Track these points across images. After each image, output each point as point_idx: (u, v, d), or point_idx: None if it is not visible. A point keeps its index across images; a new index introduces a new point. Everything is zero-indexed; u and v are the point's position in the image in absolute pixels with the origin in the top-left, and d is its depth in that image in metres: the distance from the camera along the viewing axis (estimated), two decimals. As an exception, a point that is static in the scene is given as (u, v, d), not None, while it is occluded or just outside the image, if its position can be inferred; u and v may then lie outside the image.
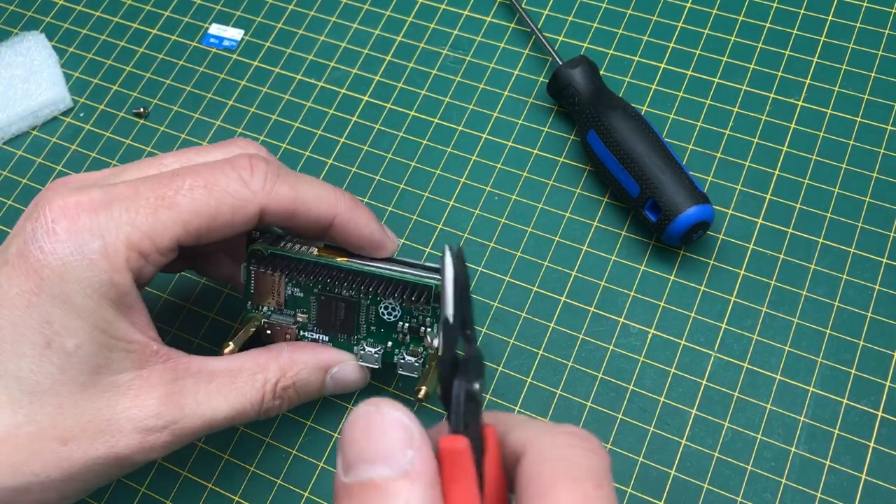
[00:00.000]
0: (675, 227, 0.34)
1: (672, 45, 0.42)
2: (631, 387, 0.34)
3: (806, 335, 0.35)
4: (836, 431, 0.33)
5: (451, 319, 0.22)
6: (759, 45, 0.41)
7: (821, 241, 0.36)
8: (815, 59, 0.41)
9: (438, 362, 0.22)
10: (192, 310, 0.38)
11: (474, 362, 0.22)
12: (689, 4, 0.43)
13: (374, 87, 0.43)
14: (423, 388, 0.30)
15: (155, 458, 0.28)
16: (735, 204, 0.38)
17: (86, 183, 0.29)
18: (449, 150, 0.40)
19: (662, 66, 0.41)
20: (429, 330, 0.31)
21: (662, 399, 0.34)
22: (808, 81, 0.40)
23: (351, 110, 0.42)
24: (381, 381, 0.35)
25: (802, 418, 0.33)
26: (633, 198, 0.36)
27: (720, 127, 0.39)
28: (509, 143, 0.40)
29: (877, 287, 0.35)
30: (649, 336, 0.35)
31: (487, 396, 0.35)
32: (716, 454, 0.33)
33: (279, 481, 0.34)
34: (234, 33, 0.45)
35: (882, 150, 0.38)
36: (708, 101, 0.40)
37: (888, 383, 0.33)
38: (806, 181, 0.38)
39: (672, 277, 0.36)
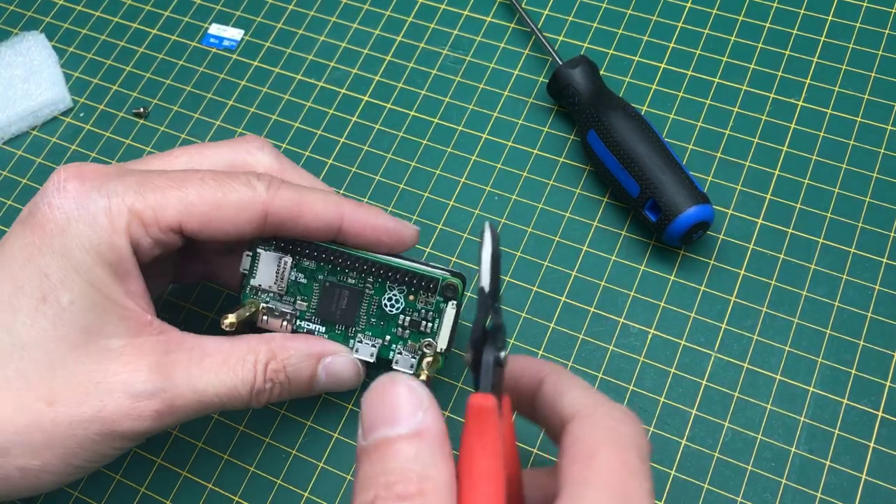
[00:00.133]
0: (675, 227, 0.34)
1: (672, 45, 0.42)
2: (631, 387, 0.34)
3: (806, 335, 0.35)
4: (837, 431, 0.33)
5: (486, 289, 0.24)
6: (759, 45, 0.41)
7: (821, 241, 0.36)
8: (815, 59, 0.41)
9: (473, 329, 0.24)
10: (192, 310, 0.38)
11: (501, 332, 0.24)
12: (689, 4, 0.43)
13: (374, 87, 0.43)
14: (424, 373, 0.31)
15: (143, 431, 0.28)
16: (735, 204, 0.38)
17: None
18: (449, 150, 0.40)
19: (662, 66, 0.41)
20: (430, 326, 0.31)
21: (662, 399, 0.34)
22: (808, 81, 0.40)
23: (351, 110, 0.42)
24: (381, 381, 0.35)
25: (802, 418, 0.33)
26: (633, 198, 0.36)
27: (720, 127, 0.39)
28: (509, 143, 0.40)
29: (877, 287, 0.35)
30: (649, 336, 0.35)
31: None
32: (716, 454, 0.33)
33: (279, 481, 0.34)
34: (234, 33, 0.45)
35: (882, 150, 0.38)
36: (708, 101, 0.40)
37: (888, 383, 0.33)
38: (806, 181, 0.38)
39: (672, 277, 0.36)
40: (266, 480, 0.34)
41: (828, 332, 0.35)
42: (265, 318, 0.32)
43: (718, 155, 0.39)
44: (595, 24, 0.43)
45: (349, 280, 0.32)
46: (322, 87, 0.43)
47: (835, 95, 0.40)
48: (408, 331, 0.32)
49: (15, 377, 0.26)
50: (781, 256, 0.36)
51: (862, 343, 0.34)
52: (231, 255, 0.35)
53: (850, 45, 0.41)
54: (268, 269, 0.32)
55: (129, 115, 0.44)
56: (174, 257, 0.34)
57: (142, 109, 0.43)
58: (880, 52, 0.40)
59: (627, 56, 0.42)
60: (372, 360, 0.32)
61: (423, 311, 0.31)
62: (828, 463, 0.32)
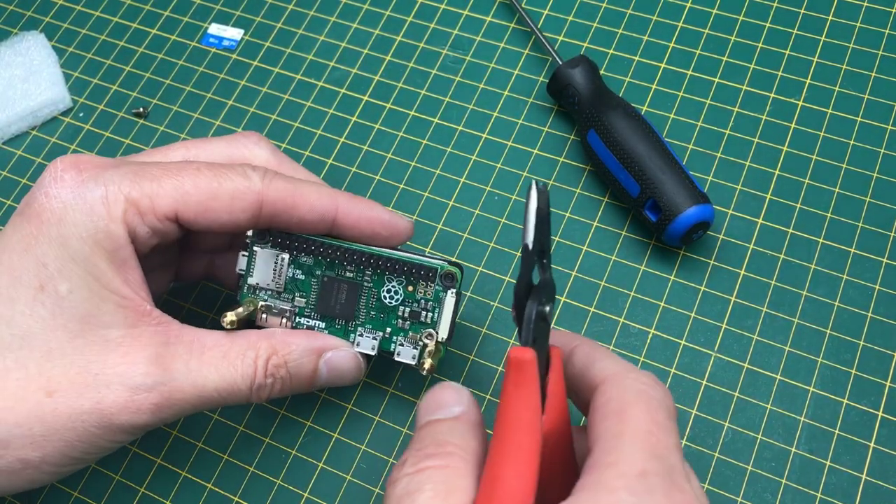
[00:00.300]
0: (676, 227, 0.34)
1: (672, 45, 0.42)
2: (631, 387, 0.34)
3: (806, 335, 0.35)
4: (837, 431, 0.33)
5: (529, 246, 0.25)
6: (759, 45, 0.41)
7: (821, 241, 0.36)
8: (815, 59, 0.41)
9: (516, 284, 0.25)
10: (192, 310, 0.38)
11: (547, 288, 0.25)
12: (689, 4, 0.43)
13: (374, 86, 0.43)
14: (429, 361, 0.31)
15: (142, 424, 0.28)
16: (735, 204, 0.38)
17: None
18: (449, 150, 0.40)
19: (662, 66, 0.41)
20: (430, 316, 0.31)
21: (662, 399, 0.34)
22: (808, 81, 0.40)
23: (351, 110, 0.42)
24: (383, 383, 0.35)
25: (803, 418, 0.33)
26: (633, 198, 0.36)
27: (720, 127, 0.39)
28: (509, 143, 0.40)
29: (877, 287, 0.35)
30: (649, 336, 0.35)
31: (487, 396, 0.35)
32: (716, 454, 0.33)
33: (279, 481, 0.34)
34: (233, 33, 0.45)
35: (882, 150, 0.38)
36: (708, 101, 0.40)
37: (888, 383, 0.33)
38: (806, 181, 0.38)
39: (672, 277, 0.36)
40: (266, 480, 0.34)
41: (828, 332, 0.35)
42: (264, 315, 0.32)
43: (718, 155, 0.39)
44: (595, 24, 0.43)
45: (347, 274, 0.32)
46: (322, 86, 0.43)
47: (835, 95, 0.40)
48: (408, 322, 0.32)
49: (14, 367, 0.27)
50: (781, 256, 0.36)
51: (862, 343, 0.34)
52: (230, 252, 0.35)
53: (850, 45, 0.41)
54: (265, 267, 0.32)
55: (128, 115, 0.44)
56: (174, 254, 0.34)
57: (141, 109, 0.43)
58: (880, 52, 0.40)
59: (627, 56, 0.42)
60: (374, 353, 0.32)
61: (422, 301, 0.31)
62: (828, 463, 0.32)
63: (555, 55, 0.40)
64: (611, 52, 0.42)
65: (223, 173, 0.29)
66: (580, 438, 0.26)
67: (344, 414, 0.35)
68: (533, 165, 0.40)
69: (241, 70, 0.44)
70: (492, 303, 0.37)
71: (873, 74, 0.40)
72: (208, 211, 0.29)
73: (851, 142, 0.38)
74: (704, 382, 0.34)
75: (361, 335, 0.32)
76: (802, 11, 0.42)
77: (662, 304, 0.36)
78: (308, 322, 0.32)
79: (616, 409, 0.24)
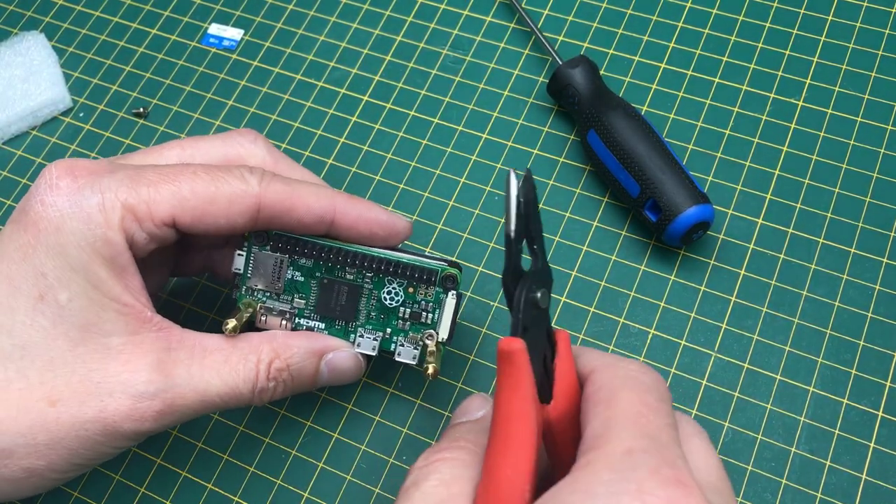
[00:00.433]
0: (676, 227, 0.34)
1: (672, 45, 0.42)
2: (631, 387, 0.34)
3: (806, 335, 0.35)
4: (837, 431, 0.33)
5: (512, 234, 0.24)
6: (760, 45, 0.41)
7: (821, 241, 0.36)
8: (815, 59, 0.41)
9: (503, 274, 0.25)
10: (192, 310, 0.38)
11: (538, 274, 0.25)
12: (689, 4, 0.43)
13: (374, 87, 0.43)
14: (432, 366, 0.31)
15: (145, 431, 0.28)
16: (735, 204, 0.38)
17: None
18: (449, 150, 0.40)
19: (662, 66, 0.41)
20: (430, 317, 0.31)
21: (662, 399, 0.34)
22: (808, 81, 0.40)
23: (351, 110, 0.42)
24: (383, 383, 0.35)
25: (803, 418, 0.33)
26: (633, 198, 0.36)
27: (720, 127, 0.39)
28: (509, 143, 0.40)
29: (877, 287, 0.35)
30: (649, 336, 0.35)
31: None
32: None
33: (279, 481, 0.34)
34: (233, 33, 0.45)
35: (882, 150, 0.38)
36: (708, 101, 0.40)
37: (888, 383, 0.33)
38: (806, 181, 0.38)
39: (672, 277, 0.36)
40: (266, 480, 0.34)
41: (828, 332, 0.35)
42: (264, 317, 0.32)
43: (718, 155, 0.39)
44: (595, 24, 0.43)
45: (347, 276, 0.32)
46: (322, 87, 0.43)
47: (835, 95, 0.40)
48: (408, 322, 0.32)
49: (16, 377, 0.26)
50: (781, 256, 0.36)
51: (862, 343, 0.34)
52: (228, 247, 0.34)
53: (850, 45, 0.41)
54: (264, 269, 0.32)
55: (128, 115, 0.44)
56: (171, 252, 0.34)
57: (141, 109, 0.43)
58: (880, 52, 0.40)
59: (627, 56, 0.42)
60: (374, 354, 0.32)
61: (423, 302, 0.31)
62: (828, 463, 0.32)
63: (555, 55, 0.40)
64: (611, 52, 0.42)
65: (220, 177, 0.29)
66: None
67: (344, 414, 0.35)
68: (533, 165, 0.40)
69: (241, 70, 0.44)
70: (492, 303, 0.37)
71: (873, 74, 0.40)
72: (206, 216, 0.29)
73: (851, 142, 0.38)
74: (704, 382, 0.34)
75: (362, 336, 0.32)
76: (802, 11, 0.42)
77: (662, 304, 0.36)
78: (308, 323, 0.32)
79: (605, 397, 0.23)
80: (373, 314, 0.32)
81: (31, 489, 0.28)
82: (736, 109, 0.40)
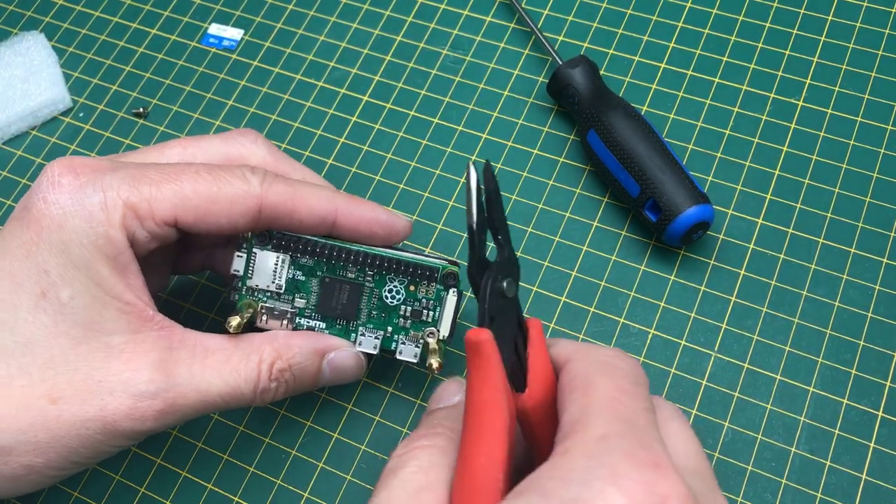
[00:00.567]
0: (676, 227, 0.34)
1: (672, 45, 0.42)
2: (631, 387, 0.34)
3: (806, 335, 0.35)
4: (837, 431, 0.33)
5: (473, 226, 0.24)
6: (760, 45, 0.41)
7: (821, 241, 0.36)
8: (815, 59, 0.41)
9: (468, 267, 0.25)
10: (192, 310, 0.38)
11: (503, 264, 0.25)
12: (689, 4, 0.43)
13: (374, 87, 0.43)
14: (436, 360, 0.31)
15: (145, 430, 0.28)
16: (735, 204, 0.38)
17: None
18: (449, 150, 0.40)
19: (662, 66, 0.41)
20: (432, 315, 0.31)
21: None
22: (808, 81, 0.40)
23: (351, 110, 0.42)
24: (383, 383, 0.35)
25: (803, 418, 0.33)
26: (633, 198, 0.36)
27: (720, 127, 0.39)
28: (509, 143, 0.40)
29: (877, 287, 0.35)
30: (649, 336, 0.35)
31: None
32: (716, 454, 0.33)
33: (279, 481, 0.34)
34: (233, 33, 0.45)
35: (882, 150, 0.38)
36: (708, 101, 0.40)
37: (888, 383, 0.33)
38: (806, 181, 0.38)
39: (672, 277, 0.36)
40: (266, 480, 0.34)
41: (828, 332, 0.35)
42: (264, 318, 0.32)
43: (718, 155, 0.39)
44: (595, 24, 0.43)
45: (349, 275, 0.32)
46: (322, 87, 0.43)
47: (835, 95, 0.40)
48: (409, 321, 0.32)
49: (18, 374, 0.26)
50: (781, 256, 0.36)
51: (862, 343, 0.34)
52: (230, 246, 0.34)
53: (850, 45, 0.41)
54: (265, 268, 0.32)
55: (128, 115, 0.44)
56: (172, 251, 0.34)
57: (141, 109, 0.43)
58: (880, 52, 0.40)
59: (627, 56, 0.42)
60: (375, 353, 0.32)
61: (424, 300, 0.31)
62: (828, 463, 0.32)
63: (555, 55, 0.40)
64: (611, 52, 0.42)
65: (222, 177, 0.29)
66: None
67: (344, 414, 0.35)
68: (533, 165, 0.40)
69: (241, 70, 0.44)
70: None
71: (873, 74, 0.40)
72: (207, 215, 0.29)
73: (851, 142, 0.38)
74: (704, 382, 0.34)
75: (363, 334, 0.32)
76: (802, 11, 0.42)
77: (662, 304, 0.36)
78: (308, 322, 0.32)
79: (581, 384, 0.24)
80: (374, 313, 0.32)
81: (29, 486, 0.28)
82: (736, 109, 0.40)
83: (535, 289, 0.37)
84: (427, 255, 0.32)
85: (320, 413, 0.35)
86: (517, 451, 0.26)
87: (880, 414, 0.33)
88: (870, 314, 0.35)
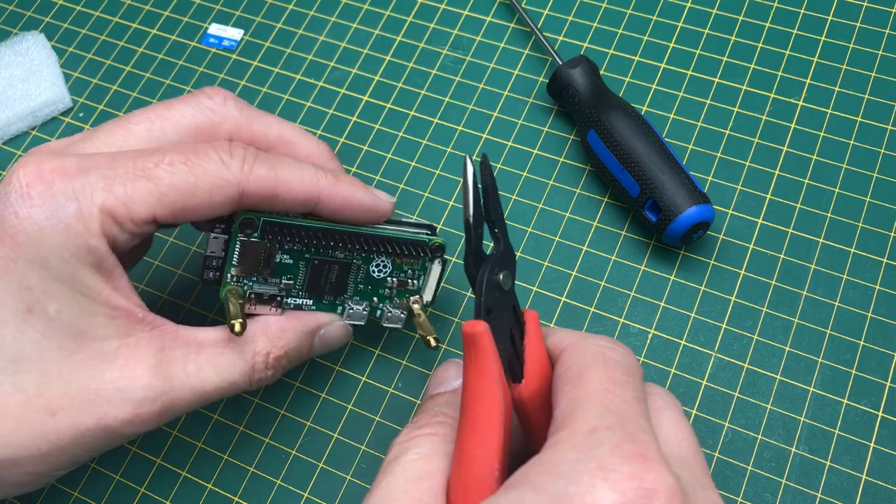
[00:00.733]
0: (676, 227, 0.34)
1: (672, 45, 0.42)
2: (631, 387, 0.34)
3: (806, 335, 0.35)
4: (837, 432, 0.33)
5: (470, 220, 0.25)
6: (760, 45, 0.41)
7: (821, 241, 0.36)
8: (815, 59, 0.41)
9: (464, 261, 0.25)
10: (192, 310, 0.38)
11: (500, 256, 0.26)
12: (689, 4, 0.43)
13: (374, 86, 0.43)
14: (431, 337, 0.32)
15: (144, 431, 0.28)
16: (735, 204, 0.38)
17: (56, 148, 0.29)
18: (449, 150, 0.40)
19: (662, 66, 0.41)
20: (416, 283, 0.32)
21: (662, 399, 0.34)
22: (808, 81, 0.40)
23: (351, 110, 0.42)
24: (382, 382, 0.35)
25: (803, 418, 0.33)
26: (633, 198, 0.36)
27: (720, 127, 0.39)
28: (509, 143, 0.40)
29: (877, 287, 0.35)
30: (649, 336, 0.35)
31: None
32: (716, 454, 0.33)
33: (279, 481, 0.34)
34: (233, 33, 0.45)
35: (882, 150, 0.38)
36: (708, 101, 0.40)
37: (888, 383, 0.33)
38: (806, 181, 0.38)
39: (672, 277, 0.36)
40: (266, 480, 0.34)
41: (828, 332, 0.35)
42: (253, 304, 0.32)
43: (718, 155, 0.39)
44: (595, 24, 0.43)
45: (337, 254, 0.32)
46: (322, 87, 0.43)
47: (835, 95, 0.40)
48: (395, 290, 0.33)
49: (13, 391, 0.26)
50: (781, 256, 0.36)
51: (862, 343, 0.34)
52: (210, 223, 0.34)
53: (850, 45, 0.41)
54: (252, 255, 0.31)
55: (128, 115, 0.44)
56: (149, 238, 0.33)
57: (141, 109, 0.43)
58: (880, 52, 0.40)
59: (627, 56, 0.42)
60: (363, 324, 0.33)
61: (409, 271, 0.32)
62: (828, 463, 0.32)
63: (555, 55, 0.40)
64: (611, 52, 0.42)
65: (199, 165, 0.28)
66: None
67: (344, 414, 0.35)
68: (533, 165, 0.40)
69: (241, 70, 0.44)
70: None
71: (873, 74, 0.40)
72: (186, 209, 0.28)
73: (851, 142, 0.38)
74: (704, 382, 0.34)
75: (351, 308, 0.33)
76: (802, 11, 0.42)
77: (662, 304, 0.36)
78: (296, 301, 0.32)
79: (574, 375, 0.24)
80: (360, 286, 0.32)
81: (32, 487, 0.28)
82: (736, 109, 0.40)
83: (535, 289, 0.37)
84: (406, 223, 0.32)
85: (320, 413, 0.35)
86: (517, 440, 0.26)
87: (880, 414, 0.33)
88: (870, 314, 0.35)
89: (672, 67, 0.41)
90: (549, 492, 0.20)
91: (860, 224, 0.37)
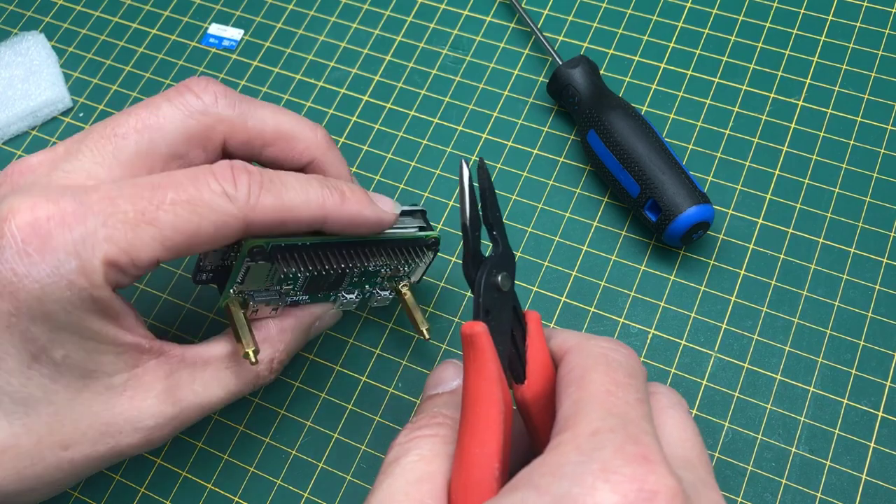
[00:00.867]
0: (676, 227, 0.34)
1: (672, 45, 0.42)
2: (631, 387, 0.34)
3: (806, 335, 0.35)
4: (837, 432, 0.33)
5: (466, 223, 0.25)
6: (760, 45, 0.41)
7: (821, 241, 0.36)
8: (815, 59, 0.41)
9: (463, 264, 0.26)
10: (192, 310, 0.38)
11: (498, 258, 0.26)
12: (689, 4, 0.43)
13: (374, 86, 0.43)
14: (424, 327, 0.33)
15: (153, 449, 0.29)
16: (735, 204, 0.38)
17: (42, 172, 0.28)
18: (449, 150, 0.40)
19: (662, 66, 0.41)
20: (406, 270, 0.34)
21: (662, 399, 0.34)
22: (808, 81, 0.40)
23: (351, 110, 0.42)
24: (382, 382, 0.35)
25: (803, 418, 0.33)
26: (633, 198, 0.36)
27: (720, 127, 0.39)
28: (509, 143, 0.40)
29: (877, 287, 0.35)
30: (649, 336, 0.35)
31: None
32: (716, 454, 0.33)
33: (279, 481, 0.34)
34: (233, 33, 0.45)
35: (882, 150, 0.38)
36: (708, 101, 0.40)
37: (888, 383, 0.33)
38: (806, 181, 0.38)
39: (672, 277, 0.36)
40: (266, 480, 0.34)
41: (828, 332, 0.35)
42: (254, 310, 0.31)
43: (718, 155, 0.39)
44: (595, 24, 0.43)
45: (341, 264, 0.31)
46: (322, 86, 0.43)
47: (835, 95, 0.40)
48: (386, 279, 0.34)
49: (24, 433, 0.26)
50: (781, 256, 0.36)
51: (862, 343, 0.34)
52: None
53: (850, 45, 0.41)
54: (257, 276, 0.31)
55: (128, 115, 0.44)
56: None
57: (141, 109, 0.43)
58: (880, 52, 0.40)
59: (627, 56, 0.42)
60: (355, 310, 0.34)
61: (403, 263, 0.33)
62: (828, 463, 0.32)
63: (555, 55, 0.40)
64: (611, 52, 0.42)
65: (202, 201, 0.26)
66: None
67: (344, 414, 0.35)
68: (533, 165, 0.40)
69: (241, 70, 0.44)
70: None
71: (873, 74, 0.40)
72: (192, 248, 0.27)
73: (851, 142, 0.38)
74: (704, 382, 0.34)
75: (344, 297, 0.33)
76: (802, 11, 0.42)
77: (662, 304, 0.36)
78: (293, 299, 0.32)
79: (576, 377, 0.24)
80: (355, 279, 0.33)
81: (44, 497, 0.29)
82: (736, 109, 0.40)
83: (535, 289, 0.37)
84: (414, 212, 0.33)
85: (320, 413, 0.35)
86: (522, 442, 0.27)
87: (880, 414, 0.33)
88: (870, 314, 0.35)
89: (672, 67, 0.41)
90: (551, 493, 0.21)
91: (860, 224, 0.37)
